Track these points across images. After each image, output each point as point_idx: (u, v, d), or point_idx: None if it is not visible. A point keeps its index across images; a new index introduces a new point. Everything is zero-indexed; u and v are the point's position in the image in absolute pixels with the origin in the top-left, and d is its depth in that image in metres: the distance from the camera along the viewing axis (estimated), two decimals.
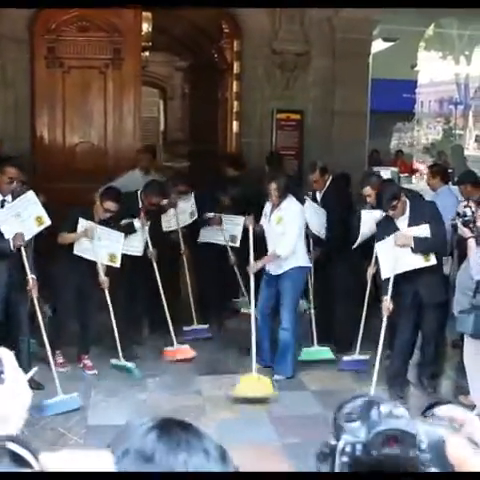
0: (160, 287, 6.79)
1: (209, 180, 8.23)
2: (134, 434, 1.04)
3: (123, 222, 6.61)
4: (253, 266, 6.35)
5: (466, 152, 17.29)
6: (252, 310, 6.31)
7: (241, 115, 9.17)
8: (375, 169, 9.97)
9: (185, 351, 6.78)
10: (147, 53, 11.50)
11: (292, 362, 6.42)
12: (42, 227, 5.93)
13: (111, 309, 6.25)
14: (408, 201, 5.90)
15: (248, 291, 6.61)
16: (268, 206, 6.48)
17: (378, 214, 6.19)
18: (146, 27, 9.49)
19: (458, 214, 5.61)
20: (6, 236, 5.64)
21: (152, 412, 4.86)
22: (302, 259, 6.44)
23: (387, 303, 5.80)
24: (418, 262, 5.80)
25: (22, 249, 5.66)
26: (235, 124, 9.41)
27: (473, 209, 5.48)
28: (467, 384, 5.72)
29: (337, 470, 1.10)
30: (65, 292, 6.33)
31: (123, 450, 1.02)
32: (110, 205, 6.25)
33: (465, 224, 5.45)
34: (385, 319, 5.83)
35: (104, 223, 6.32)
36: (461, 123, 20.90)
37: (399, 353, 6.12)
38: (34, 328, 5.87)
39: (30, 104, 8.40)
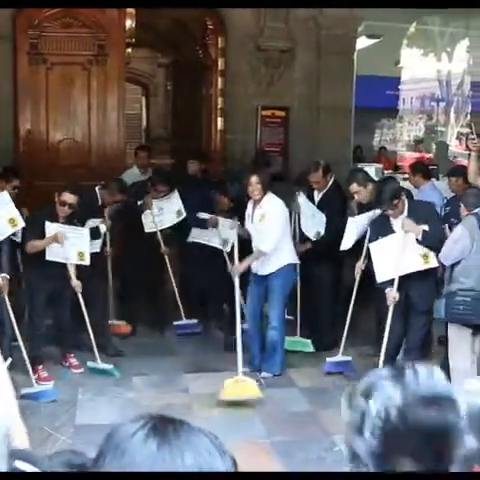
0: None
1: (195, 179, 8.10)
2: (129, 444, 1.00)
3: (89, 225, 6.50)
4: (237, 267, 6.28)
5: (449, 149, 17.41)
6: (237, 311, 6.20)
7: (225, 112, 9.12)
8: (359, 165, 9.99)
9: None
10: (130, 49, 11.42)
11: (280, 360, 6.40)
12: (16, 229, 5.93)
13: (85, 311, 6.16)
14: (406, 201, 5.83)
15: (244, 295, 6.54)
16: (250, 207, 6.42)
17: (365, 218, 6.13)
18: (129, 23, 9.42)
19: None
20: None
21: (140, 411, 4.81)
22: (289, 256, 6.40)
23: (393, 293, 5.64)
24: (418, 264, 5.64)
25: None
26: (219, 121, 9.34)
27: None
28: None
29: (368, 433, 1.04)
30: (39, 297, 6.23)
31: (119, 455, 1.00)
32: (67, 197, 6.08)
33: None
34: (391, 308, 5.68)
35: (67, 221, 6.20)
36: (443, 120, 20.98)
37: (386, 353, 6.09)
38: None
39: (13, 101, 8.29)
